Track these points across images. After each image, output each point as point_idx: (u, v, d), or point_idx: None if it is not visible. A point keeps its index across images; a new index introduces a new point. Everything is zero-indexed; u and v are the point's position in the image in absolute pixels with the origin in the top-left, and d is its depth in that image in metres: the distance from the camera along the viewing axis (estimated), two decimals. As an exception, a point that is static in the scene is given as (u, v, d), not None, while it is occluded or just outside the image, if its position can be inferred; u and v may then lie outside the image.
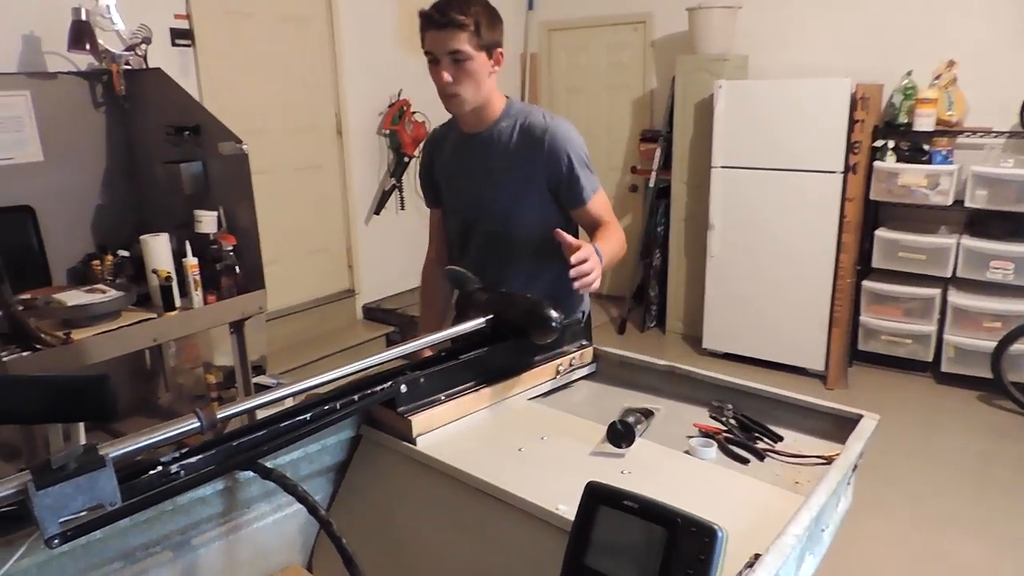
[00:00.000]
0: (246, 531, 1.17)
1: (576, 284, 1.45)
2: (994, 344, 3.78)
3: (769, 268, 4.33)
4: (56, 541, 0.88)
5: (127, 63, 2.93)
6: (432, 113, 4.80)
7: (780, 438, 1.28)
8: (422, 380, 1.27)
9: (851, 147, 3.97)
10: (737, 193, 4.36)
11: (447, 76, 1.61)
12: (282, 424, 1.11)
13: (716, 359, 4.57)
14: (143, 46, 2.96)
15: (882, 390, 4.13)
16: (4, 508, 0.87)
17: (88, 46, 2.85)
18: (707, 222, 4.50)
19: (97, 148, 3.04)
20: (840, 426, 1.29)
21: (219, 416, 1.05)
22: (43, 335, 2.25)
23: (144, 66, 2.98)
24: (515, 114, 1.74)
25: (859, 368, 4.38)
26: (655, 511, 0.84)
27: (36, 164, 2.84)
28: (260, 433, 1.09)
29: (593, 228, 1.76)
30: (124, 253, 2.88)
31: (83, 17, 2.83)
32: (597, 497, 0.88)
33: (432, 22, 1.59)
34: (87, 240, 3.03)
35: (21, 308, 2.32)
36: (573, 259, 1.45)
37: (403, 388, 1.23)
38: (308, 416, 1.13)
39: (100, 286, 2.55)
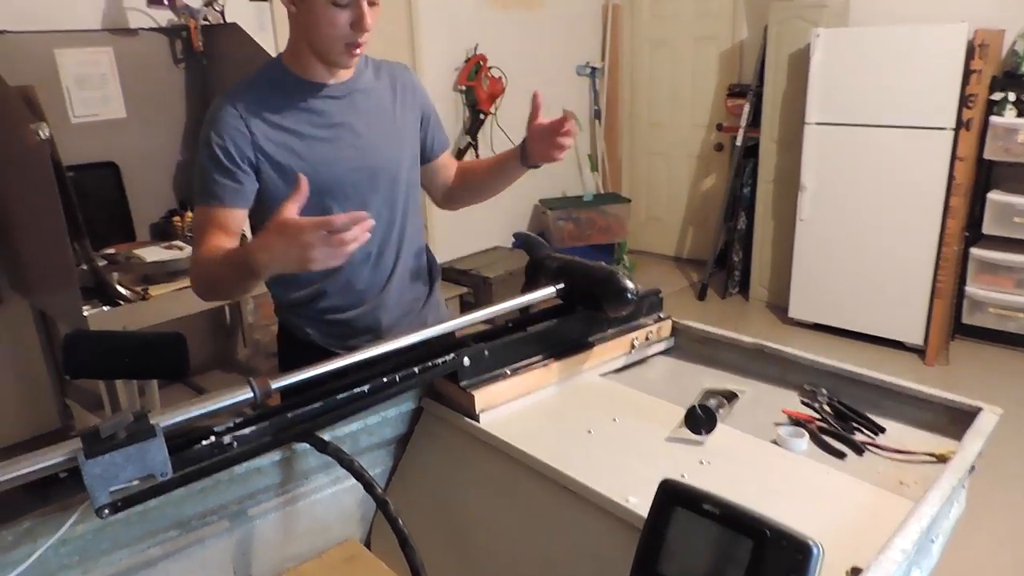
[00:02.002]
0: (303, 503, 1.14)
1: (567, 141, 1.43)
2: (1121, 321, 3.44)
3: (865, 233, 4.04)
4: (106, 511, 0.87)
5: (205, 18, 2.93)
6: (510, 68, 4.67)
7: (882, 429, 1.14)
8: (487, 353, 1.19)
9: (965, 101, 3.61)
10: (832, 152, 4.06)
11: (370, 21, 1.32)
12: (338, 396, 1.06)
13: (803, 329, 4.34)
14: (220, 1, 2.95)
15: (988, 368, 3.82)
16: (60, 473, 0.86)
17: (167, 1, 2.86)
18: (797, 183, 4.22)
19: (177, 104, 3.07)
20: (954, 419, 1.14)
21: (273, 386, 1.01)
22: (122, 290, 2.30)
23: (221, 21, 2.97)
24: (364, 59, 1.50)
25: (962, 343, 4.07)
26: (740, 519, 0.73)
27: (119, 121, 2.89)
28: (315, 405, 1.04)
29: (450, 174, 1.66)
30: (203, 210, 2.91)
31: (162, -29, 2.84)
32: (673, 497, 0.78)
33: None
34: (169, 196, 3.09)
35: (104, 263, 2.38)
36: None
37: (466, 361, 1.16)
38: (366, 389, 1.07)
39: (177, 243, 2.60)
